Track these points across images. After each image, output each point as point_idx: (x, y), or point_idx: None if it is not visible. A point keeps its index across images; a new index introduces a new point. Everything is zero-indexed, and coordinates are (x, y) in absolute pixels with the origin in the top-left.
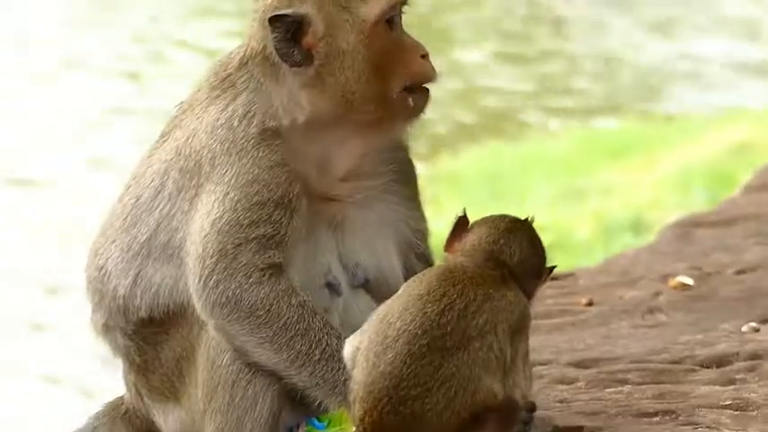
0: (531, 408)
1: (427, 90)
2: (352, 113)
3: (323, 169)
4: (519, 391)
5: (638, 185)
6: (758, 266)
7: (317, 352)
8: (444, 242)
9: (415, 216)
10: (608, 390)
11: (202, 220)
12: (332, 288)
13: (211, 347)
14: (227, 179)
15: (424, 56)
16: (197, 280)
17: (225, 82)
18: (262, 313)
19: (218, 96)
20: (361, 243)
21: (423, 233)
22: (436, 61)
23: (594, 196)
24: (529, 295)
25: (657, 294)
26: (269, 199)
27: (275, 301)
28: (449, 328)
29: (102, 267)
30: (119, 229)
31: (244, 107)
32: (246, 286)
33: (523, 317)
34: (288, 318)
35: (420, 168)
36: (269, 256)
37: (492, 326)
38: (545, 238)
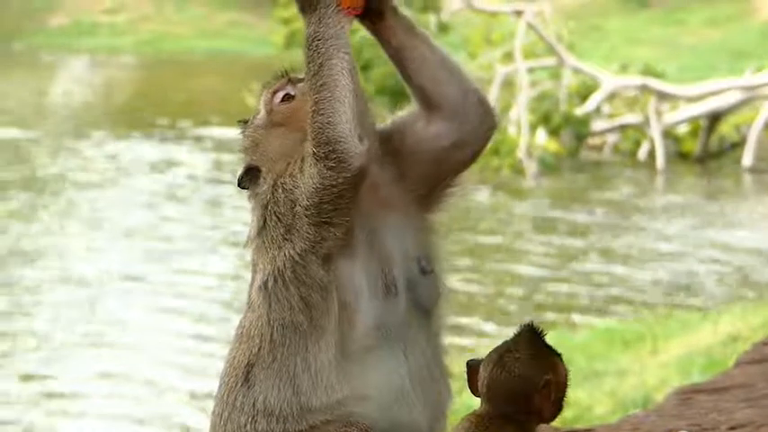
0: None
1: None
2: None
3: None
4: None
5: (647, 369)
6: (748, 424)
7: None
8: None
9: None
10: None
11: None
12: (388, 289)
13: None
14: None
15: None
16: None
17: None
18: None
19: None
20: (399, 255)
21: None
22: None
23: (610, 377)
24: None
25: None
26: (328, 198)
27: None
28: None
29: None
30: (268, 351)
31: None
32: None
33: None
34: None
35: None
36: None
37: None
38: (567, 414)
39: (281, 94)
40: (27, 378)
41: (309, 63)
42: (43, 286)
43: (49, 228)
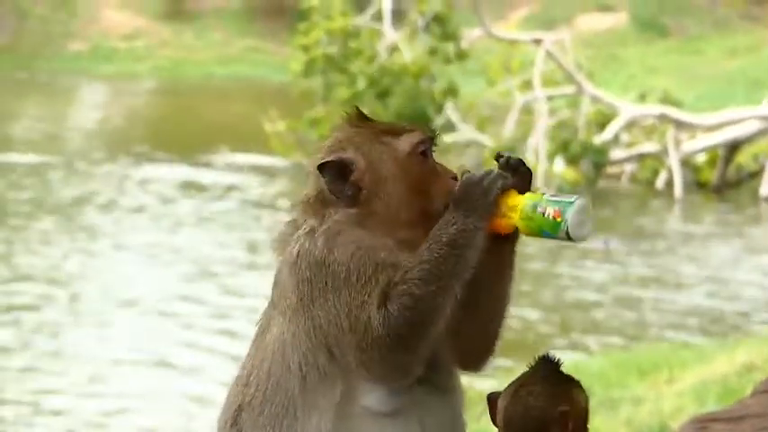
0: None
1: None
2: (401, 227)
3: (390, 247)
4: None
5: (663, 397)
6: None
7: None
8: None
9: None
10: None
11: (332, 331)
12: None
13: None
14: (327, 290)
15: (455, 178)
16: (363, 361)
17: (290, 233)
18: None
19: (287, 244)
20: None
21: None
22: None
23: (626, 405)
24: None
25: None
26: (365, 276)
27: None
28: None
29: None
30: (260, 403)
31: (306, 232)
32: (383, 322)
33: None
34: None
35: None
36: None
37: None
38: None
39: (423, 147)
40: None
41: (437, 244)
42: (107, 309)
43: (86, 249)
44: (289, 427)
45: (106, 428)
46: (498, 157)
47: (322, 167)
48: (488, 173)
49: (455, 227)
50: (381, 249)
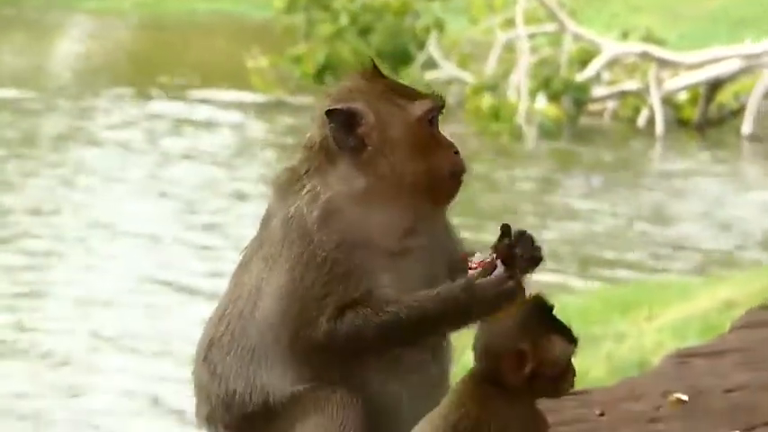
0: None
1: (460, 180)
2: (401, 192)
3: (384, 232)
4: None
5: (644, 333)
6: (744, 387)
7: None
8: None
9: (458, 244)
10: None
11: (282, 301)
12: None
13: None
14: (302, 261)
15: (457, 152)
16: (287, 348)
17: (291, 181)
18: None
19: (287, 194)
20: (424, 287)
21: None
22: None
23: (607, 341)
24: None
25: (658, 408)
26: (336, 274)
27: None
28: None
29: (213, 372)
30: (229, 342)
31: (309, 194)
32: (326, 335)
33: (533, 426)
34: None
35: None
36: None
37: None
38: None
39: (432, 115)
40: None
41: (427, 302)
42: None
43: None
44: (254, 372)
45: (99, 354)
46: (507, 233)
47: (330, 114)
48: (503, 281)
49: (451, 305)
50: (365, 247)
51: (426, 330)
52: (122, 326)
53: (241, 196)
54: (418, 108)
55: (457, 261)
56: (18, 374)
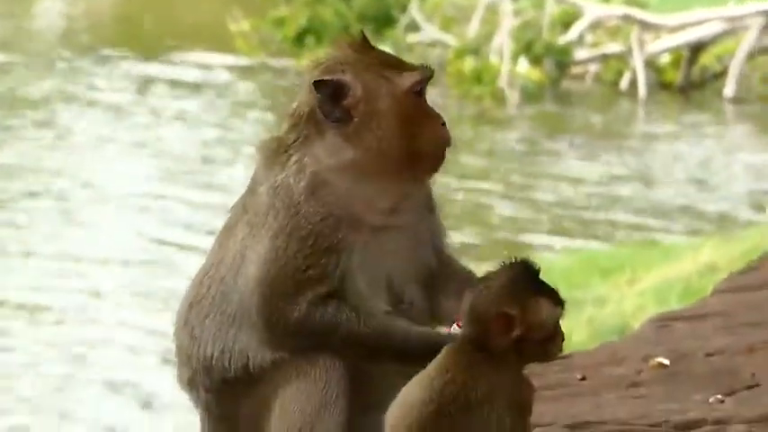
0: None
1: (445, 152)
2: (387, 164)
3: (369, 206)
4: None
5: (625, 297)
6: (724, 351)
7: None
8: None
9: (442, 230)
10: None
11: (263, 268)
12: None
13: (286, 402)
14: (287, 231)
15: (443, 124)
16: (263, 319)
17: (278, 150)
18: (319, 334)
19: (274, 163)
20: (407, 264)
21: (448, 242)
22: None
23: (589, 305)
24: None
25: (639, 372)
26: (320, 247)
27: (328, 322)
28: (452, 398)
29: (192, 335)
30: (209, 305)
31: (296, 165)
32: (303, 317)
33: (519, 391)
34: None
35: None
36: (319, 291)
37: (489, 397)
38: None
39: (420, 86)
40: None
41: (414, 334)
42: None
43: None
44: (234, 336)
45: (91, 316)
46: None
47: (317, 85)
48: None
49: (426, 350)
50: (350, 221)
51: (395, 359)
52: (121, 282)
53: (233, 156)
54: (406, 80)
55: (441, 243)
56: (20, 332)
